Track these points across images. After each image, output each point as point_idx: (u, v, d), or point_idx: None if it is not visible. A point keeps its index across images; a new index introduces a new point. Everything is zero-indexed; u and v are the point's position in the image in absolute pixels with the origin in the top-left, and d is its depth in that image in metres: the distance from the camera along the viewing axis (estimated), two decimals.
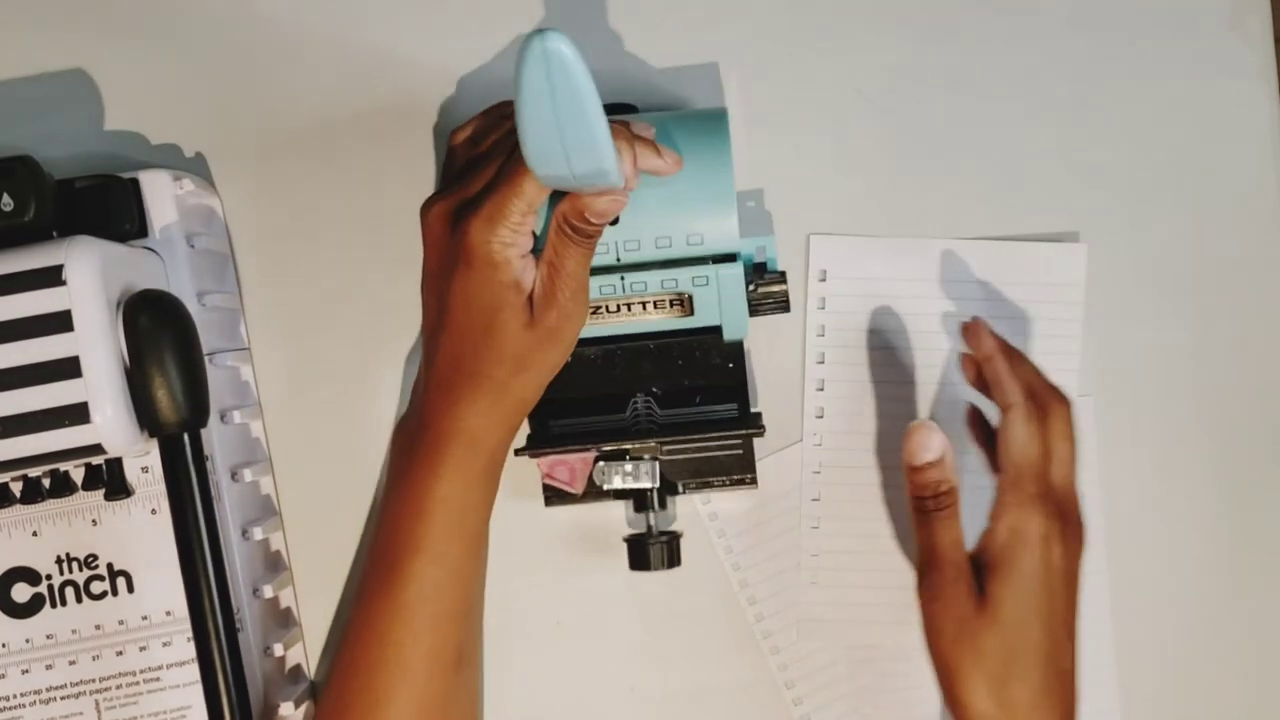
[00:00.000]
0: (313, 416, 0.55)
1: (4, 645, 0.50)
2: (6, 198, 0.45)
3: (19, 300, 0.43)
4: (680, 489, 0.53)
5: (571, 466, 0.53)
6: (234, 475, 0.51)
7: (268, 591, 0.51)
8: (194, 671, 0.48)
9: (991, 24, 0.56)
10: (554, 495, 0.53)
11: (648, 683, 0.55)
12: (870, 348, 0.55)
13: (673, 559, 0.52)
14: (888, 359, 0.55)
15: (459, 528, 0.47)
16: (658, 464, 0.51)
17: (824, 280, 0.55)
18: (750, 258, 0.51)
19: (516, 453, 0.50)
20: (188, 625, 0.45)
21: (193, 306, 0.49)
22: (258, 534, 0.51)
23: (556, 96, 0.35)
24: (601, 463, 0.52)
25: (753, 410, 0.54)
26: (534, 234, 0.45)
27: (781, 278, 0.51)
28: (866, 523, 0.55)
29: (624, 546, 0.52)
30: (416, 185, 0.55)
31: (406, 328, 0.55)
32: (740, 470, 0.53)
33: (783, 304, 0.51)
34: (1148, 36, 0.56)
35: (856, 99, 0.56)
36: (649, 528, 0.52)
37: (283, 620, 0.54)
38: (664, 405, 0.52)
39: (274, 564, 0.54)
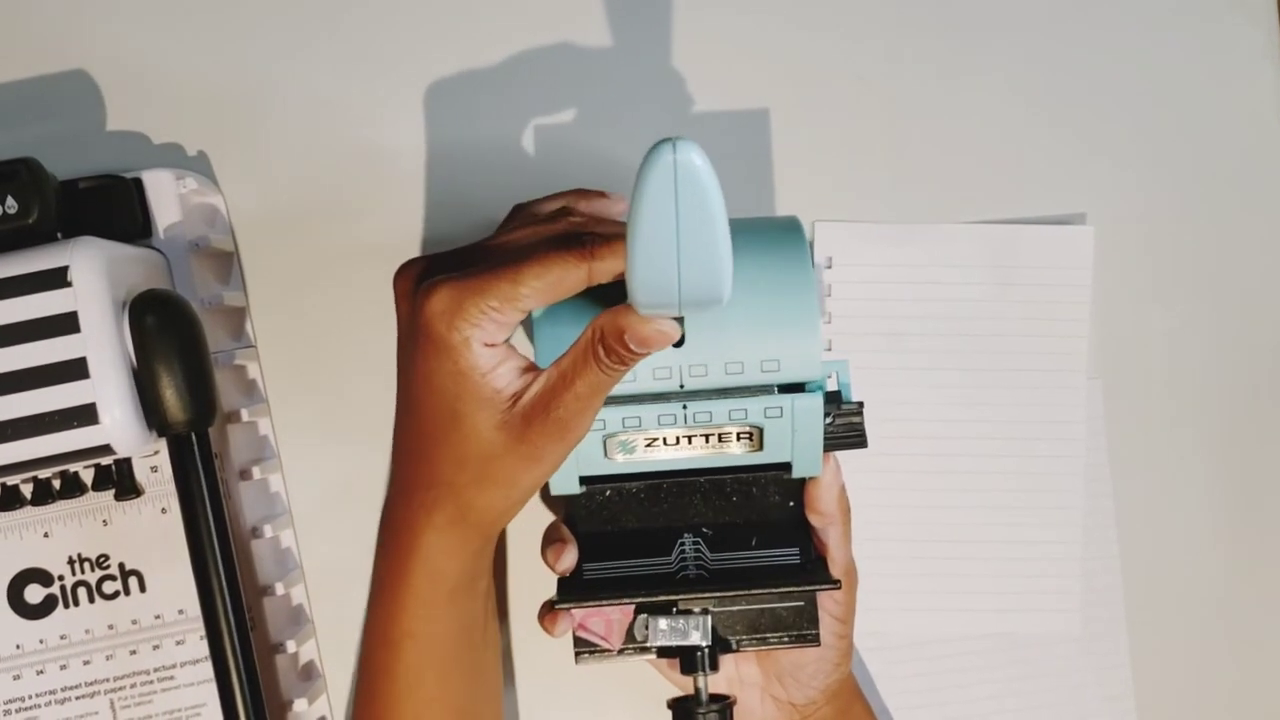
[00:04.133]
0: (321, 413, 0.55)
1: (18, 646, 0.51)
2: (10, 200, 0.45)
3: (25, 302, 0.43)
4: (734, 645, 0.46)
5: (608, 618, 0.46)
6: (243, 473, 0.51)
7: (279, 589, 0.52)
8: (208, 669, 0.49)
9: (994, 6, 0.56)
10: (586, 650, 0.46)
11: None
12: (877, 334, 0.55)
13: None
14: (894, 345, 0.55)
15: (429, 658, 0.44)
16: (710, 618, 0.45)
17: (830, 267, 0.55)
18: (821, 385, 0.44)
19: (553, 604, 0.45)
20: (200, 623, 0.45)
21: (198, 305, 0.49)
22: (268, 532, 0.52)
23: (681, 215, 0.31)
24: (644, 615, 0.45)
25: (815, 556, 0.46)
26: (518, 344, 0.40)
27: (859, 409, 0.45)
28: (873, 510, 0.55)
29: (666, 709, 0.46)
30: (424, 176, 0.55)
31: None
32: (802, 625, 0.46)
33: (859, 437, 0.45)
34: (1152, 16, 0.56)
35: (859, 84, 0.56)
36: (698, 692, 0.45)
37: (294, 618, 0.54)
38: (714, 548, 0.45)
39: (284, 561, 0.54)
